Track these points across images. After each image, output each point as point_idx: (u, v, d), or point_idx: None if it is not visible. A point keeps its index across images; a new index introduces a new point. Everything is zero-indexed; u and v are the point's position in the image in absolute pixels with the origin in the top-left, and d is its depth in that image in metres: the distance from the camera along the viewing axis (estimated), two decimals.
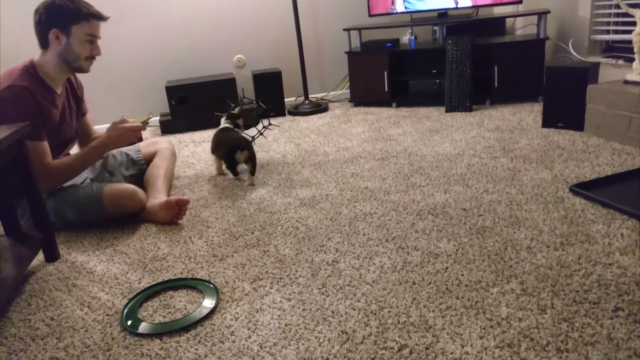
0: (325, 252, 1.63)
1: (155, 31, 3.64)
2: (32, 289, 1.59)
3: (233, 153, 2.31)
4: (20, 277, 1.54)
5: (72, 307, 1.47)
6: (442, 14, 3.53)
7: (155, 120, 3.59)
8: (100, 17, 1.97)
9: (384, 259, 1.55)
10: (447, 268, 1.46)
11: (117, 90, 3.65)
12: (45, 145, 1.89)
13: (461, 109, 3.23)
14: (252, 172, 2.35)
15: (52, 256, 1.76)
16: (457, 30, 3.55)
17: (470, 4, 3.42)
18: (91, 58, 2.00)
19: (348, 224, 1.82)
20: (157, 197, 2.09)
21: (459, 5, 3.44)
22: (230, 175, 2.45)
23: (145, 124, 2.12)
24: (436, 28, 3.69)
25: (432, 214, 1.82)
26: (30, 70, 1.90)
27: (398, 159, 2.46)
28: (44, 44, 1.93)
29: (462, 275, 1.42)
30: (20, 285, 1.61)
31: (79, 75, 2.17)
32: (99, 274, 1.65)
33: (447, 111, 3.27)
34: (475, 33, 3.39)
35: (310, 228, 1.82)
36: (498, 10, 3.87)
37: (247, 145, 2.32)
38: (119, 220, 2.03)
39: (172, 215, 1.98)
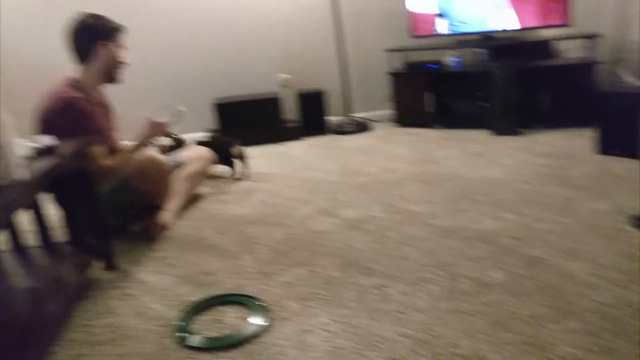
0: (372, 276, 1.64)
1: (204, 48, 3.74)
2: (93, 295, 1.65)
3: None
4: (81, 283, 1.60)
5: (127, 316, 1.52)
6: (488, 36, 3.51)
7: (200, 135, 3.67)
8: (122, 26, 2.17)
9: (433, 286, 1.54)
10: (499, 299, 1.44)
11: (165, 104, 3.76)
12: (100, 148, 2.00)
13: (507, 133, 3.19)
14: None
15: (110, 265, 1.83)
16: (503, 52, 3.52)
17: (516, 27, 3.40)
18: (123, 65, 2.18)
19: (395, 247, 1.82)
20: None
21: (505, 28, 3.42)
22: None
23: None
24: (481, 50, 3.67)
25: (481, 241, 1.80)
26: (76, 85, 2.04)
27: (444, 183, 2.45)
28: (84, 58, 2.06)
29: (516, 308, 1.40)
30: (81, 291, 1.67)
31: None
32: (151, 285, 1.70)
33: (492, 135, 3.24)
34: (521, 56, 3.35)
35: (357, 250, 1.83)
36: (545, 33, 3.82)
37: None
38: (168, 232, 2.08)
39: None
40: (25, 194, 1.33)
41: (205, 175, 2.63)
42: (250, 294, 1.58)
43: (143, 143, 2.21)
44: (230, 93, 3.82)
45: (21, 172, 1.26)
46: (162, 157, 2.21)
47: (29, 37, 3.54)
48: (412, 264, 1.69)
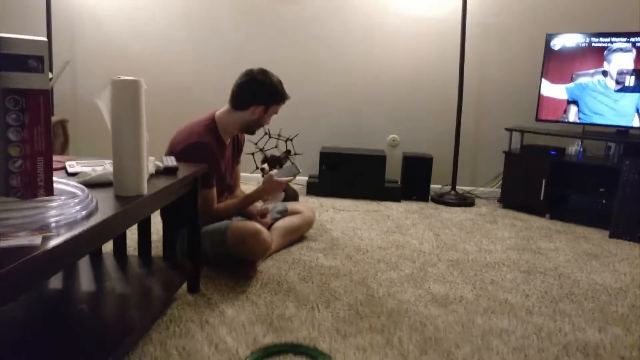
0: None
1: (318, 97, 3.91)
2: (172, 314, 1.72)
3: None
4: (166, 301, 1.67)
5: (201, 343, 1.55)
6: (622, 131, 3.29)
7: (303, 179, 3.77)
8: (287, 99, 2.27)
9: None
10: None
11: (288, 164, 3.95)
12: (214, 192, 2.12)
13: (629, 238, 2.91)
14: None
15: (194, 287, 1.90)
16: (636, 151, 3.26)
17: None
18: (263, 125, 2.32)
19: (481, 336, 1.70)
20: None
21: None
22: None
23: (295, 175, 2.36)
24: (611, 145, 3.44)
25: (581, 352, 1.62)
26: (211, 126, 2.18)
27: (546, 277, 2.27)
28: (235, 106, 2.19)
29: None
30: (164, 308, 1.74)
31: None
32: (229, 317, 1.73)
33: (610, 236, 2.97)
34: None
35: (439, 329, 1.73)
36: None
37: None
38: (252, 271, 2.13)
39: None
40: (145, 208, 1.44)
41: (303, 232, 2.63)
42: (323, 350, 1.54)
43: (256, 198, 2.29)
44: (339, 144, 3.92)
45: (146, 187, 1.36)
46: (265, 232, 2.13)
47: (181, 67, 3.93)
48: (497, 359, 1.56)
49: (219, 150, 2.18)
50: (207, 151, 2.08)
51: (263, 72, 2.20)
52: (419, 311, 1.86)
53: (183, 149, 2.06)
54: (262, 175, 2.86)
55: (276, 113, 2.29)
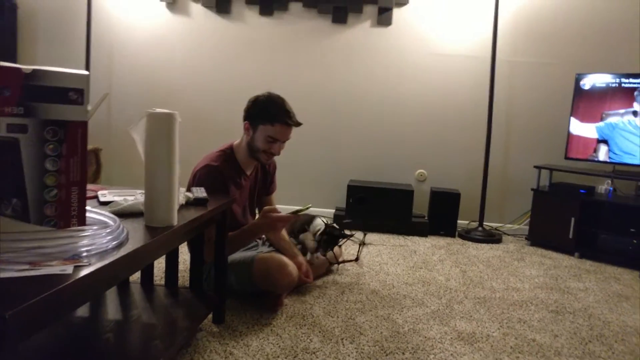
0: None
1: (348, 130, 3.96)
2: (197, 345, 1.74)
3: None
4: (192, 331, 1.69)
5: None
6: None
7: (330, 211, 3.79)
8: (288, 125, 2.12)
9: None
10: None
11: (303, 178, 3.99)
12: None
13: None
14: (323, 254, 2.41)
15: (219, 319, 1.92)
16: None
17: None
18: (269, 154, 2.17)
19: None
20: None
21: None
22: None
23: (297, 213, 2.16)
24: None
25: None
26: (227, 152, 2.19)
27: (575, 318, 2.21)
28: (244, 129, 2.19)
29: None
30: (190, 338, 1.76)
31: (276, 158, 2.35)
32: (253, 349, 1.74)
33: None
34: None
35: None
36: None
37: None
38: (278, 304, 2.13)
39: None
40: (175, 239, 1.48)
41: (329, 266, 2.60)
42: None
43: (252, 231, 2.13)
44: (367, 177, 3.94)
45: (177, 218, 1.40)
46: (291, 264, 2.08)
47: (208, 100, 4.06)
48: None
49: (233, 178, 2.13)
50: (213, 175, 2.04)
51: (264, 94, 2.16)
52: (445, 348, 1.84)
53: (194, 174, 2.08)
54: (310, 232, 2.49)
55: (278, 139, 2.13)
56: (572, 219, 3.27)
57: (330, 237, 2.41)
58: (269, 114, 2.11)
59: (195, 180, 2.06)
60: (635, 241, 3.13)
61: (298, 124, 2.17)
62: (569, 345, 1.93)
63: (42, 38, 4.10)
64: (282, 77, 3.94)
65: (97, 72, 4.03)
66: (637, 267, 2.98)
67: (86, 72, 1.10)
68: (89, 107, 1.14)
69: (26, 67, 1.01)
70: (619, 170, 3.39)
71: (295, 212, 2.17)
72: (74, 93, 1.07)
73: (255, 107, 2.14)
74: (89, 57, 3.90)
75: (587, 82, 3.43)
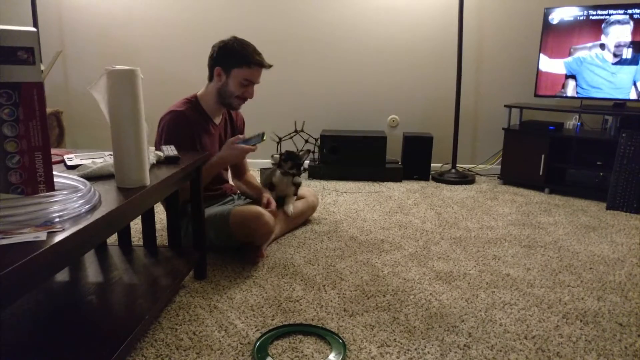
0: (457, 334, 1.57)
1: (318, 80, 3.91)
2: (181, 301, 1.75)
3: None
4: (174, 288, 1.70)
5: (211, 327, 1.58)
6: (619, 104, 3.30)
7: (304, 163, 3.78)
8: (262, 66, 2.12)
9: (520, 356, 1.45)
10: None
11: (274, 128, 3.95)
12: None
13: (626, 209, 2.94)
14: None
15: (201, 274, 1.93)
16: (633, 123, 3.28)
17: None
18: (242, 99, 2.17)
19: (484, 309, 1.73)
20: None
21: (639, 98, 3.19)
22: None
23: (253, 139, 2.12)
24: (608, 118, 3.45)
25: (580, 321, 1.66)
26: (192, 100, 2.16)
27: (546, 250, 2.30)
28: (210, 77, 2.16)
29: None
30: (173, 295, 1.78)
31: (243, 112, 2.36)
32: (237, 301, 1.76)
33: (608, 208, 3.00)
34: None
35: (444, 305, 1.76)
36: None
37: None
38: (259, 256, 2.16)
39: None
40: (149, 199, 1.46)
41: (307, 216, 2.65)
42: (330, 329, 1.58)
43: (218, 164, 2.11)
44: (339, 127, 3.92)
45: (149, 178, 1.37)
46: (267, 214, 2.09)
47: (169, 53, 3.92)
48: (500, 330, 1.59)
49: (200, 124, 2.12)
50: (179, 119, 2.02)
51: (231, 38, 2.11)
52: (424, 288, 1.90)
53: (160, 123, 2.06)
54: (276, 167, 2.57)
55: (251, 82, 2.12)
56: (542, 156, 3.34)
57: (294, 160, 2.47)
58: (243, 56, 2.08)
59: (162, 127, 2.04)
60: (601, 174, 3.23)
61: (270, 66, 2.15)
62: (541, 277, 2.02)
63: None
64: (248, 27, 3.81)
65: (47, 30, 3.83)
66: (603, 199, 3.10)
67: (34, 29, 1.03)
68: (42, 67, 1.07)
69: None
70: (586, 105, 3.45)
71: (251, 138, 2.11)
72: (23, 52, 1.01)
73: (226, 51, 2.10)
74: (35, 13, 3.67)
75: (556, 17, 3.42)
